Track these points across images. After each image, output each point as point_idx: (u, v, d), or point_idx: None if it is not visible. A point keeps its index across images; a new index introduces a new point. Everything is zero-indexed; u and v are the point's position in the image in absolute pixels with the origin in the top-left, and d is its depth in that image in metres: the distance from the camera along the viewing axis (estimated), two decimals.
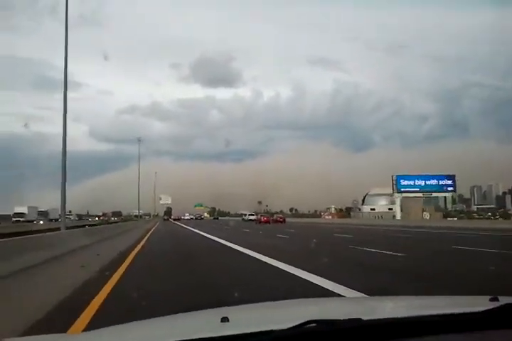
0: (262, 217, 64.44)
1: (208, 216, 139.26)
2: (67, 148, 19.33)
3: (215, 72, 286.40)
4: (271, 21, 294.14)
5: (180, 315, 1.97)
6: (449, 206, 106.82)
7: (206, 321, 1.71)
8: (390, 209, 79.92)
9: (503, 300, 1.53)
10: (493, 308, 1.35)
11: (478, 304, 1.53)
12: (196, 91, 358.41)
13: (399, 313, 1.48)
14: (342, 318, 1.25)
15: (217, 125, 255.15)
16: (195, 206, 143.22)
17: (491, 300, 1.56)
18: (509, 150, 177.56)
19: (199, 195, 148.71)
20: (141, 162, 76.17)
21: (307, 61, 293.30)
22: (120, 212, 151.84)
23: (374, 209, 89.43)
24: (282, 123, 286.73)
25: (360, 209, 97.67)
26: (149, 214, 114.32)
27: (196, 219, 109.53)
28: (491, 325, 1.30)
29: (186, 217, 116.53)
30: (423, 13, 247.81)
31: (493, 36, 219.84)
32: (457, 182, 70.88)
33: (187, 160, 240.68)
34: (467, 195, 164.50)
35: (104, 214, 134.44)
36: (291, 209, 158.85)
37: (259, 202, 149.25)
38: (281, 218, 67.22)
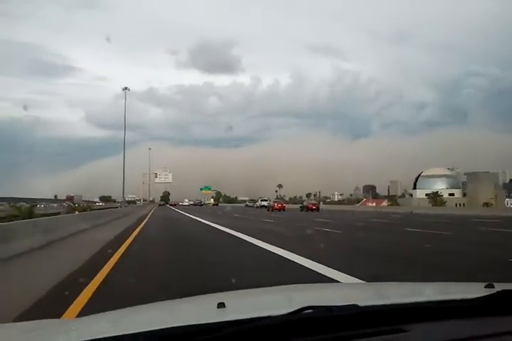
0: (276, 204, 54.48)
1: (213, 201, 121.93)
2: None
3: (214, 59, 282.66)
4: (271, 8, 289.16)
5: (176, 300, 1.96)
6: None
7: (203, 307, 1.71)
8: (451, 194, 62.50)
9: (499, 286, 1.50)
10: (488, 295, 1.35)
11: (474, 291, 1.51)
12: (195, 78, 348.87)
13: (395, 299, 1.51)
14: (339, 304, 1.26)
15: (215, 111, 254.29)
16: (201, 189, 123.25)
17: (487, 286, 1.54)
18: None
19: (198, 181, 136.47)
20: (136, 148, 69.78)
21: (308, 48, 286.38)
22: (110, 196, 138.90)
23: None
24: (281, 110, 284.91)
25: (411, 195, 79.04)
26: (140, 200, 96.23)
27: (195, 205, 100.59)
28: (487, 312, 1.30)
29: (185, 203, 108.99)
30: (426, 1, 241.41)
31: (495, 25, 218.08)
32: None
33: (184, 146, 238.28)
34: None
35: (69, 199, 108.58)
36: (308, 195, 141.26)
37: (279, 186, 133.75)
38: (314, 205, 52.47)
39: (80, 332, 1.37)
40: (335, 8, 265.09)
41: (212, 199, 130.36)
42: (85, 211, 32.74)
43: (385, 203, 75.64)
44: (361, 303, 1.29)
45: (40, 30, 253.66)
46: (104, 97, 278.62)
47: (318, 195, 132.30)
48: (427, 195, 70.57)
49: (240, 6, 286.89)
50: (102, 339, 1.12)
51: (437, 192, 64.82)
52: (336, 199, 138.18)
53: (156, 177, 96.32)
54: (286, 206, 56.88)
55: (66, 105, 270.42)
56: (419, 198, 71.36)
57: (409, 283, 2.67)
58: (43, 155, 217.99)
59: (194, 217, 31.71)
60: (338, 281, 5.98)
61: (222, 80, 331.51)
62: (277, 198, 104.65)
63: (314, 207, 50.84)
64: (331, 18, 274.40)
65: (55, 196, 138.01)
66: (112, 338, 1.13)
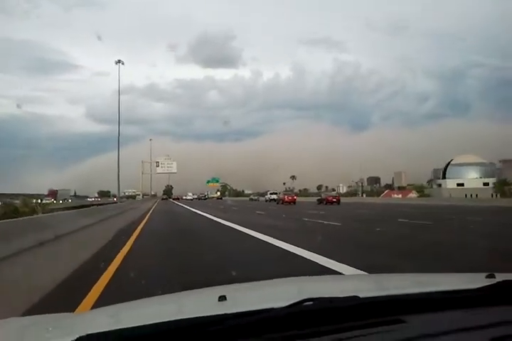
0: (286, 196, 50.74)
1: (217, 195, 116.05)
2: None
3: (215, 53, 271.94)
4: (271, 0, 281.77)
5: (177, 294, 1.96)
6: None
7: (203, 300, 1.73)
8: (485, 183, 56.14)
9: (500, 277, 1.50)
10: (489, 285, 1.34)
11: (475, 281, 1.51)
12: (195, 72, 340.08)
13: (395, 291, 1.50)
14: (339, 296, 1.26)
15: (217, 105, 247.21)
16: (208, 182, 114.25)
17: (488, 277, 1.55)
18: None
19: (202, 175, 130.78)
20: (138, 143, 66.43)
21: (307, 41, 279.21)
22: (109, 191, 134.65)
23: (462, 185, 64.67)
24: (283, 103, 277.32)
25: (439, 185, 72.13)
26: (140, 194, 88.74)
27: (199, 199, 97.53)
28: (488, 302, 1.30)
29: (188, 197, 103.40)
30: None
31: (495, 15, 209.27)
32: None
33: (187, 141, 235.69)
34: None
35: (50, 193, 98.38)
36: (319, 187, 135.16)
37: (293, 177, 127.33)
38: (334, 197, 47.05)
39: (83, 326, 1.39)
40: (334, 1, 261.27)
41: (219, 193, 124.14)
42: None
43: (412, 194, 69.15)
44: (361, 295, 1.27)
45: (39, 27, 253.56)
46: (103, 93, 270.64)
47: (325, 187, 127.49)
48: (458, 184, 64.08)
49: None
50: (106, 333, 1.12)
51: (505, 179, 56.54)
52: (342, 191, 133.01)
53: (158, 166, 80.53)
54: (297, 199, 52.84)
55: (65, 101, 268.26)
56: (449, 188, 64.78)
57: (410, 274, 2.79)
58: (42, 151, 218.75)
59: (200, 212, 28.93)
60: None
61: (222, 74, 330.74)
62: (286, 190, 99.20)
63: (335, 200, 45.33)
64: (330, 10, 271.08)
65: (74, 192, 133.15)
66: (117, 331, 1.13)
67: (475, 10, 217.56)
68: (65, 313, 1.99)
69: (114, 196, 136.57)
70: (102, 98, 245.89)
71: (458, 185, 64.56)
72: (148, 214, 28.44)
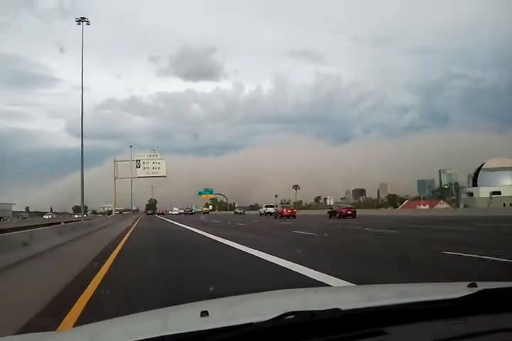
0: (285, 209, 44.78)
1: (205, 209, 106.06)
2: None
3: (196, 65, 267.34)
4: (251, 13, 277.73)
5: (159, 310, 1.95)
6: None
7: (186, 315, 1.70)
8: None
9: (481, 285, 1.50)
10: (470, 294, 1.34)
11: (457, 290, 1.48)
12: (177, 85, 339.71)
13: (378, 302, 1.49)
14: (321, 309, 1.24)
15: (198, 119, 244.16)
16: (200, 194, 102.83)
17: (469, 286, 1.53)
18: None
19: (186, 189, 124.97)
20: (122, 157, 60.42)
21: (289, 54, 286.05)
22: (86, 207, 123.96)
23: (499, 193, 54.61)
24: (265, 116, 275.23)
25: (470, 194, 61.52)
26: (110, 209, 76.24)
27: (186, 213, 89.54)
28: (469, 311, 1.29)
29: (174, 212, 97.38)
30: (406, 4, 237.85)
31: (475, 27, 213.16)
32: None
33: (168, 155, 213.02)
34: None
35: None
36: (317, 199, 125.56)
37: (296, 187, 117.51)
38: (349, 209, 39.17)
39: None
40: (316, 14, 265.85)
41: (210, 206, 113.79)
42: None
43: (440, 205, 59.65)
44: (344, 307, 1.26)
45: (17, 40, 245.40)
46: (84, 107, 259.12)
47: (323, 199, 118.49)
48: (494, 192, 53.90)
49: (220, 12, 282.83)
50: None
51: None
52: (330, 204, 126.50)
53: (139, 166, 57.40)
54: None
55: (44, 115, 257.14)
56: (482, 197, 54.90)
57: (392, 284, 2.71)
58: (20, 167, 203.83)
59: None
60: None
61: (204, 87, 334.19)
62: (282, 203, 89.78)
63: (350, 213, 37.92)
64: (311, 23, 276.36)
65: (27, 208, 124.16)
66: None
67: (455, 21, 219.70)
68: (48, 332, 2.00)
69: (93, 212, 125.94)
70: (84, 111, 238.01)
71: (494, 193, 54.91)
72: (120, 245, 14.61)
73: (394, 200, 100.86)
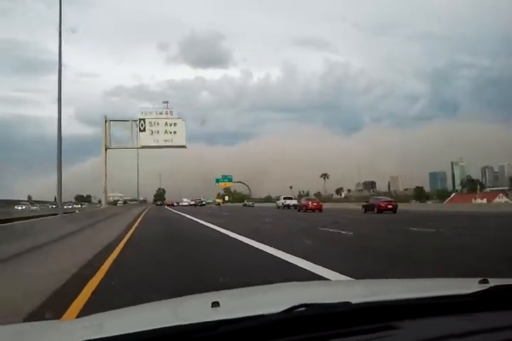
0: (311, 202, 39.16)
1: (217, 200, 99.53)
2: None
3: (205, 53, 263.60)
4: (260, 1, 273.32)
5: (170, 300, 1.97)
6: None
7: (197, 306, 1.72)
8: None
9: (493, 282, 1.48)
10: (482, 290, 1.32)
11: (468, 286, 1.47)
12: (186, 72, 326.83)
13: (388, 296, 1.48)
14: (332, 302, 1.25)
15: (207, 106, 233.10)
16: (218, 181, 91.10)
17: (481, 282, 1.51)
18: None
19: (195, 178, 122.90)
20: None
21: (297, 42, 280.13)
22: (89, 196, 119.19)
23: None
24: (273, 104, 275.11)
25: None
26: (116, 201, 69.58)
27: (196, 205, 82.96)
28: (481, 307, 1.29)
29: (184, 203, 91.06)
30: None
31: (484, 15, 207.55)
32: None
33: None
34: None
35: None
36: (338, 191, 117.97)
37: (324, 176, 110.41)
38: (389, 203, 32.24)
39: (72, 335, 1.38)
40: (324, 2, 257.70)
41: (226, 197, 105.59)
42: None
43: (499, 199, 51.65)
44: (354, 300, 1.26)
45: (24, 26, 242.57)
46: (92, 94, 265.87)
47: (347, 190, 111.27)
48: None
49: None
50: (100, 340, 1.12)
51: None
52: (342, 196, 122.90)
53: (144, 129, 37.30)
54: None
55: (51, 102, 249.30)
56: None
57: (402, 279, 2.50)
58: (26, 154, 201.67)
59: None
60: None
61: (213, 74, 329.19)
62: (301, 195, 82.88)
63: (390, 207, 31.26)
64: (320, 10, 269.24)
65: (29, 197, 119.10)
66: (110, 338, 1.12)
67: (463, 10, 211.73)
68: (52, 320, 2.01)
69: (100, 201, 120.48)
70: (90, 100, 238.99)
71: None
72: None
73: (421, 194, 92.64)
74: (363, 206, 34.17)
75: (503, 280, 1.59)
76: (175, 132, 38.18)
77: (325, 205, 41.46)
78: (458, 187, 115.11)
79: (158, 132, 37.90)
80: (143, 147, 39.53)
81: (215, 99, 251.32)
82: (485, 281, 1.50)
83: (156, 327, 1.14)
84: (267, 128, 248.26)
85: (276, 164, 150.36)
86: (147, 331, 1.12)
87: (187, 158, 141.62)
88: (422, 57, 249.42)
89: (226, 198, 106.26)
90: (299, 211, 37.84)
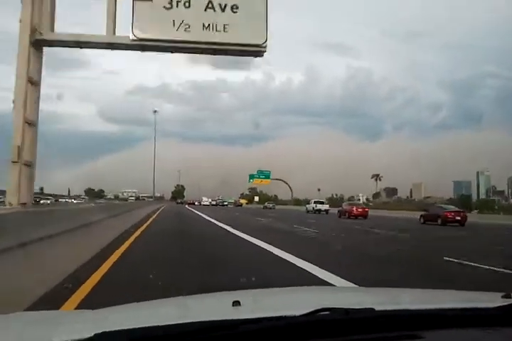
0: (355, 208, 34.62)
1: (240, 201, 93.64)
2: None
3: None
4: (284, 4, 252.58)
5: (191, 297, 1.97)
6: None
7: (217, 304, 1.71)
8: None
9: None
10: (507, 305, 1.32)
11: (490, 300, 1.47)
12: (207, 73, 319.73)
13: (412, 305, 1.46)
14: (355, 307, 1.24)
15: (227, 108, 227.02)
16: (253, 178, 77.51)
17: (504, 296, 1.50)
18: None
19: (213, 179, 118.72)
20: (148, 144, 43.10)
21: (321, 46, 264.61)
22: (102, 191, 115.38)
23: None
24: (295, 108, 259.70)
25: None
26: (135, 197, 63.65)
27: (217, 205, 79.75)
28: (504, 322, 1.27)
29: (205, 202, 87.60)
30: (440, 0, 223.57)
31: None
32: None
33: (197, 143, 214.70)
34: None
35: None
36: (375, 195, 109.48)
37: (377, 177, 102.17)
38: (458, 214, 26.45)
39: (93, 324, 1.34)
40: (348, 8, 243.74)
41: (257, 198, 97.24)
42: None
43: None
44: (377, 308, 1.26)
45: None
46: (115, 92, 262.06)
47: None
48: None
49: None
50: (122, 331, 1.11)
51: None
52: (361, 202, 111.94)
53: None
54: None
55: (74, 99, 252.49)
56: None
57: (425, 289, 2.43)
58: (55, 150, 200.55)
59: None
60: None
61: (234, 76, 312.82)
62: (331, 198, 75.24)
63: (459, 218, 25.97)
64: (345, 15, 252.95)
65: (41, 189, 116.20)
66: (132, 330, 1.12)
67: (489, 20, 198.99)
68: (82, 310, 1.97)
69: (116, 197, 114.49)
70: (113, 98, 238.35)
71: None
72: None
73: (468, 202, 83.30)
74: (421, 216, 28.87)
75: None
76: (236, 8, 13.02)
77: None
78: (482, 197, 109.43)
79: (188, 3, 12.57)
80: (137, 40, 12.50)
81: (236, 101, 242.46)
82: (508, 296, 1.46)
83: (176, 323, 1.13)
84: (287, 132, 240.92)
85: (299, 167, 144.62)
86: (168, 325, 1.10)
87: (206, 158, 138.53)
88: (446, 65, 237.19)
89: (256, 198, 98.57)
90: (339, 217, 34.66)
